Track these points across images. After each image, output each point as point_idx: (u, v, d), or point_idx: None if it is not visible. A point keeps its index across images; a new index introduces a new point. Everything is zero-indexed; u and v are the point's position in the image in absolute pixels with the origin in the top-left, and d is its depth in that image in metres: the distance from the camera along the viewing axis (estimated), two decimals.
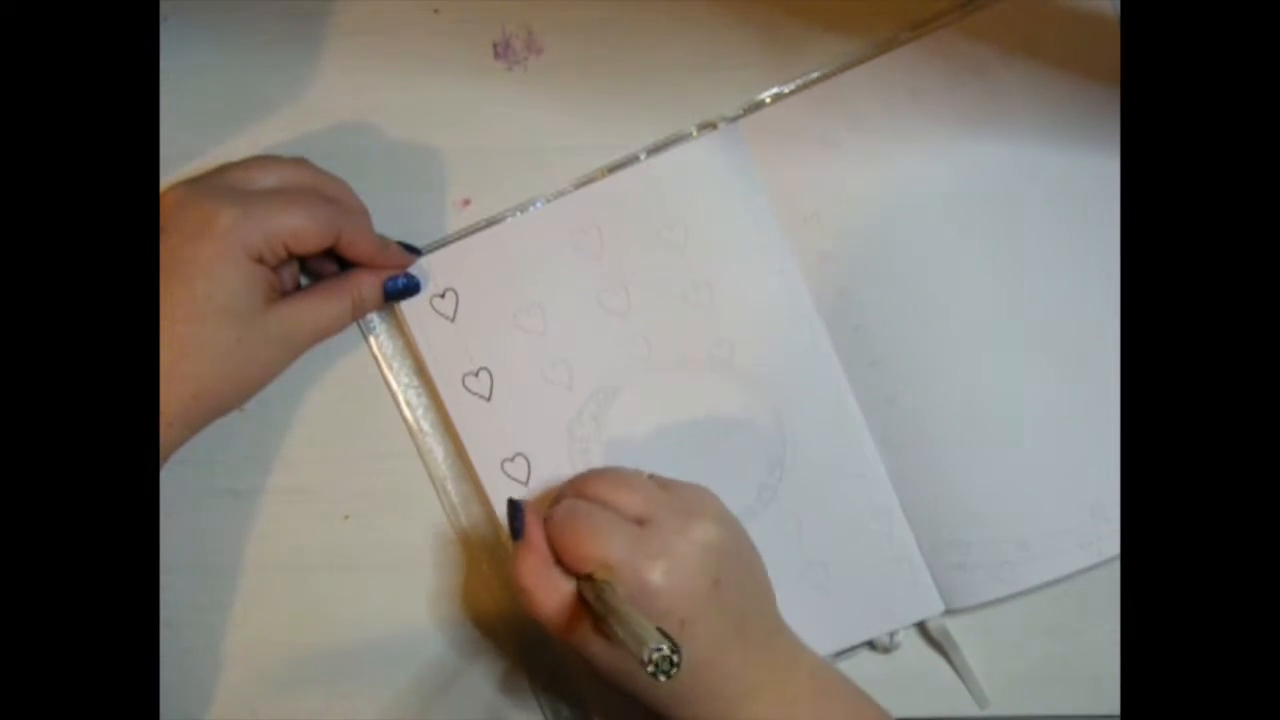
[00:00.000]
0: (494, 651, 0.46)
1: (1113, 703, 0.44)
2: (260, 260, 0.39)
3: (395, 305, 0.45)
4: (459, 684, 0.46)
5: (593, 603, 0.36)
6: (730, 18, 0.45)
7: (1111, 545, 0.43)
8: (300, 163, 0.43)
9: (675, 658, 0.32)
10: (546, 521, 0.39)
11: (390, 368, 0.46)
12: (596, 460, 0.44)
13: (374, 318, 0.45)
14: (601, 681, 0.38)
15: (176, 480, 0.45)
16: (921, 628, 0.45)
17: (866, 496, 0.44)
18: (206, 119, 0.46)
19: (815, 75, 0.44)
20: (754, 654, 0.38)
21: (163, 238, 0.38)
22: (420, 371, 0.45)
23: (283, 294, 0.42)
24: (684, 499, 0.39)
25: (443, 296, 0.45)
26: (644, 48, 0.45)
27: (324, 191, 0.42)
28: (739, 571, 0.39)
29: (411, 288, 0.44)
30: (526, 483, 0.45)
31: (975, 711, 0.45)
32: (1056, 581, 0.44)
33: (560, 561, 0.38)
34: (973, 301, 0.44)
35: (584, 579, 0.37)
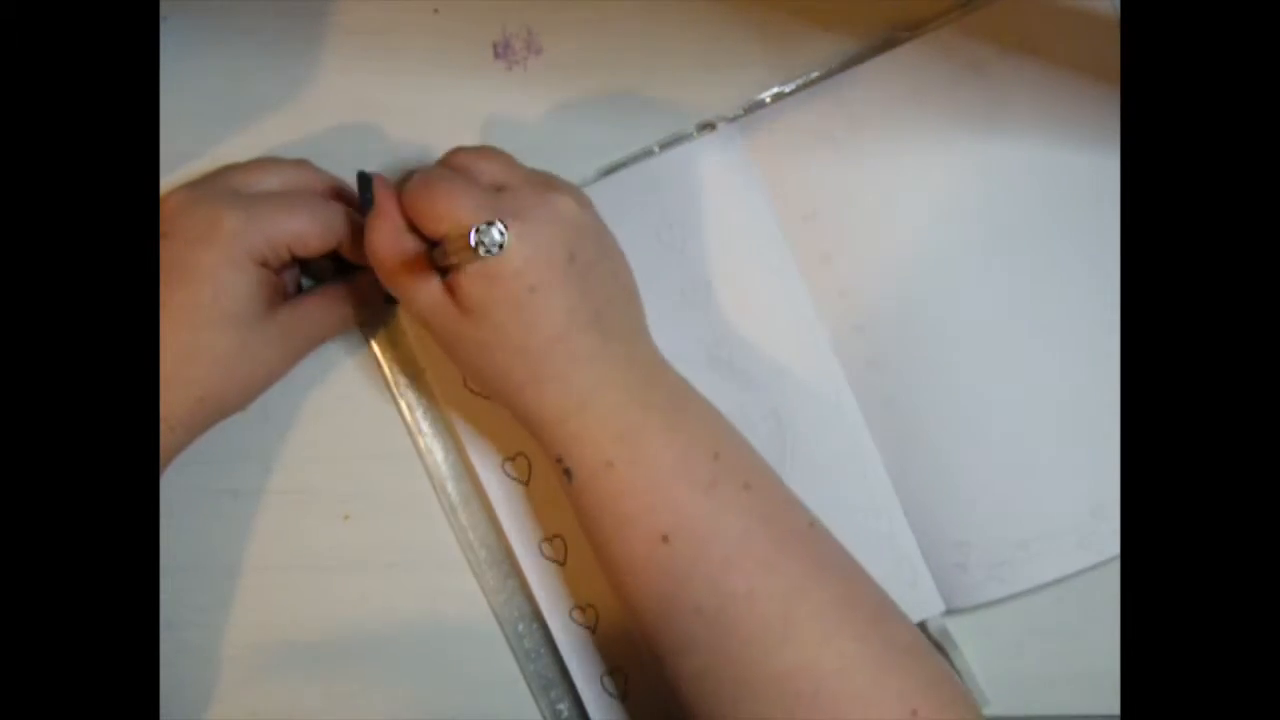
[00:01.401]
0: (494, 651, 0.46)
1: (1113, 703, 0.44)
2: (264, 264, 0.39)
3: (396, 306, 0.45)
4: (459, 684, 0.46)
5: (444, 260, 0.35)
6: (730, 18, 0.45)
7: (1112, 545, 0.43)
8: (301, 164, 0.43)
9: (500, 228, 0.32)
10: (404, 188, 0.38)
11: (390, 367, 0.45)
12: None
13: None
14: (458, 366, 0.39)
15: (176, 480, 0.45)
16: (921, 628, 0.45)
17: (866, 496, 0.44)
18: (206, 119, 0.46)
19: (815, 75, 0.44)
20: (611, 346, 0.38)
21: (165, 242, 0.38)
22: (420, 371, 0.45)
23: (285, 297, 0.42)
24: (547, 176, 0.39)
25: None
26: (644, 48, 0.45)
27: (326, 193, 0.42)
28: (598, 255, 0.38)
29: None
30: (527, 483, 0.45)
31: None
32: (1057, 582, 0.44)
33: (417, 228, 0.37)
34: (973, 301, 0.44)
35: (437, 244, 0.36)
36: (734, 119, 0.45)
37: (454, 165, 0.39)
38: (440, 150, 0.45)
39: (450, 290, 0.37)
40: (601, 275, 0.38)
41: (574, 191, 0.39)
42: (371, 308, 0.44)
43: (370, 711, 0.46)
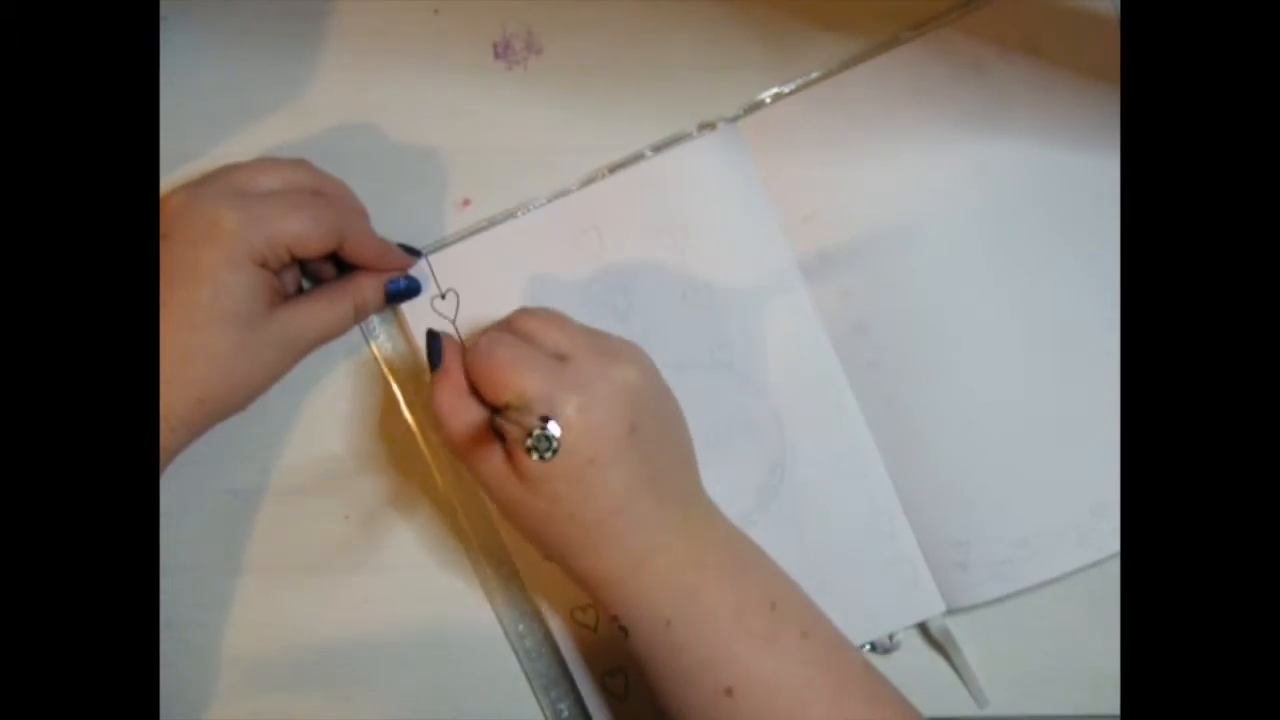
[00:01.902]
0: (494, 651, 0.46)
1: (1113, 703, 0.44)
2: (264, 265, 0.39)
3: (396, 306, 0.45)
4: (459, 684, 0.46)
5: (504, 430, 0.36)
6: (730, 18, 0.45)
7: (1112, 542, 0.43)
8: (301, 164, 0.43)
9: (552, 432, 0.32)
10: (468, 352, 0.38)
11: (390, 368, 0.46)
12: None
13: (374, 319, 0.45)
14: (513, 528, 0.39)
15: (176, 480, 0.45)
16: (922, 628, 0.45)
17: (866, 496, 0.44)
18: (206, 119, 0.46)
19: (815, 75, 0.44)
20: (667, 510, 0.38)
21: (165, 243, 0.38)
22: (421, 372, 0.45)
23: (285, 298, 0.42)
24: (609, 343, 0.39)
25: (443, 297, 0.45)
26: (644, 48, 0.45)
27: (325, 193, 0.42)
28: (657, 423, 0.38)
29: (412, 289, 0.44)
30: None
31: (975, 711, 0.45)
32: (1057, 580, 0.44)
33: (479, 392, 0.38)
34: (973, 300, 0.44)
35: (498, 411, 0.36)
36: (734, 119, 0.45)
37: (517, 330, 0.39)
38: (440, 150, 0.46)
39: (509, 456, 0.37)
40: (660, 442, 0.38)
41: (637, 358, 0.39)
42: (372, 308, 0.44)
43: (371, 711, 0.46)
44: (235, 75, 0.46)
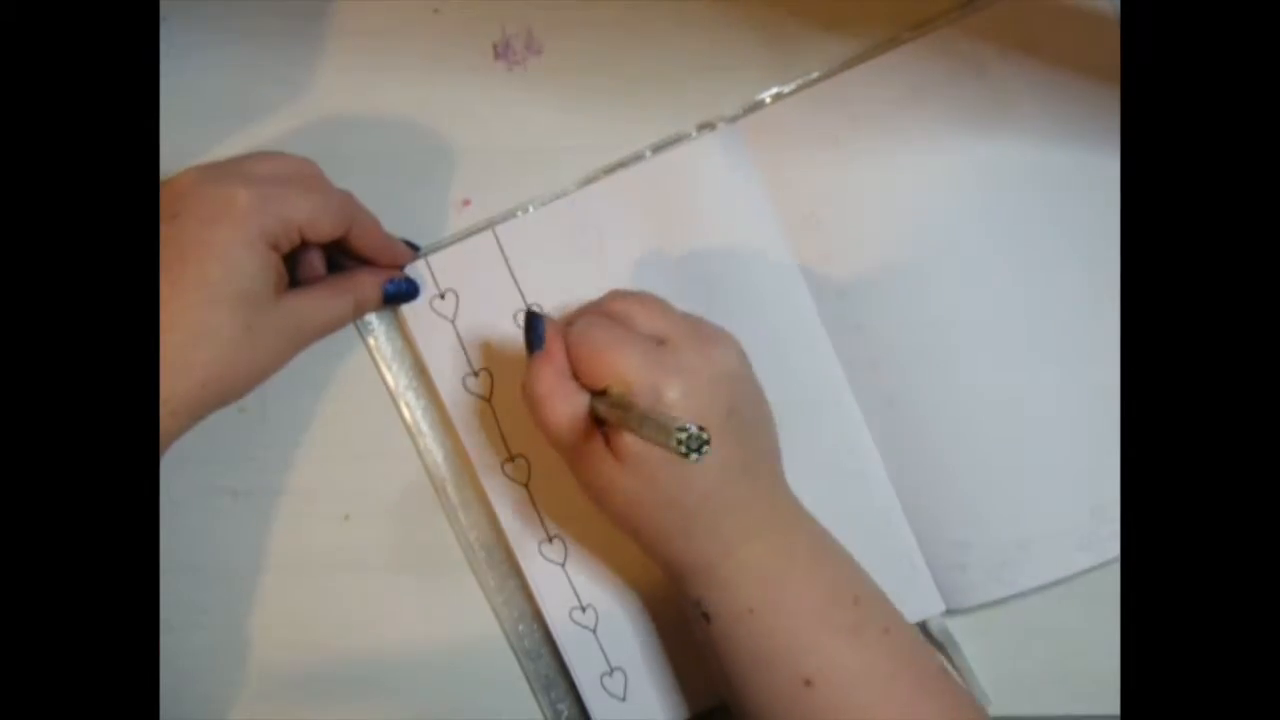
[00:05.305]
0: (494, 651, 0.46)
1: (1113, 703, 0.44)
2: (275, 247, 0.39)
3: (396, 306, 0.45)
4: (458, 684, 0.46)
5: (607, 414, 0.35)
6: (730, 18, 0.45)
7: (1112, 547, 0.43)
8: (309, 161, 0.42)
9: (705, 435, 0.31)
10: (566, 335, 0.38)
11: (390, 369, 0.46)
12: None
13: (372, 319, 0.45)
14: (606, 512, 0.38)
15: (177, 480, 0.45)
16: (922, 627, 0.45)
17: (866, 496, 0.44)
18: (206, 119, 0.46)
19: (815, 75, 0.44)
20: (759, 496, 0.38)
21: (175, 221, 0.38)
22: (420, 372, 0.45)
23: (287, 288, 0.42)
24: (707, 328, 0.39)
25: (443, 298, 0.45)
26: (644, 48, 0.45)
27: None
28: (752, 408, 0.39)
29: (410, 293, 0.44)
30: (527, 483, 0.45)
31: None
32: (1057, 583, 0.44)
33: (577, 375, 0.38)
34: (973, 301, 0.44)
35: (599, 394, 0.36)
36: (734, 119, 0.44)
37: (613, 312, 0.39)
38: (440, 150, 0.46)
39: (607, 439, 0.37)
40: (754, 427, 0.39)
41: (733, 344, 0.39)
42: (370, 306, 0.43)
43: (370, 711, 0.46)
44: (235, 75, 0.46)
